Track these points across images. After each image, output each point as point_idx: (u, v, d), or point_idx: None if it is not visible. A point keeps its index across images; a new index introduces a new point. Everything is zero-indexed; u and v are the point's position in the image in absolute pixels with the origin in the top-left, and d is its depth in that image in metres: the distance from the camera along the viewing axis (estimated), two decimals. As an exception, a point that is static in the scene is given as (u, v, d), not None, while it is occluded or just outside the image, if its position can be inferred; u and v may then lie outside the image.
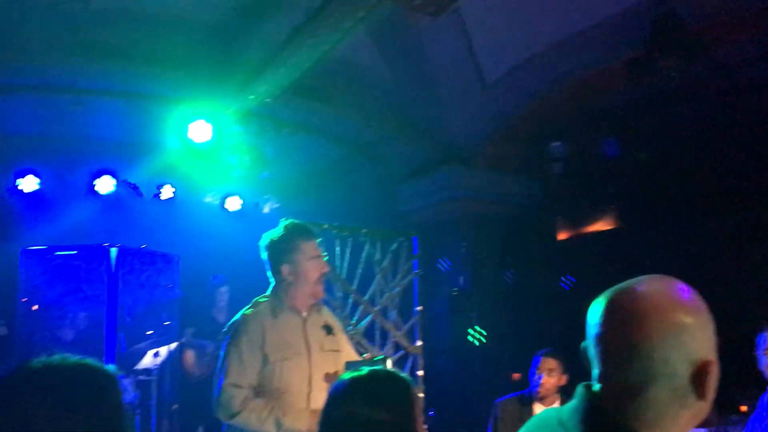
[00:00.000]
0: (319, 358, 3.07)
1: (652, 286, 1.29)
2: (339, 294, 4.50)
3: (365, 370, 1.77)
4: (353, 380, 1.74)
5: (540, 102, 5.73)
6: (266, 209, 6.90)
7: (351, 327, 4.37)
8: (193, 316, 6.57)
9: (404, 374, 1.84)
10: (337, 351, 3.13)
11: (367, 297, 4.60)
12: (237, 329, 3.00)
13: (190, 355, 6.43)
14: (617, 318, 1.26)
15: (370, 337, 4.65)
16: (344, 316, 4.45)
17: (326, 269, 3.15)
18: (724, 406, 5.18)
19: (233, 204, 6.87)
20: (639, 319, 1.23)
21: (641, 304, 1.25)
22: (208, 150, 5.74)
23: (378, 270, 4.67)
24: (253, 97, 5.01)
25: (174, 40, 5.16)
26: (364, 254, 4.65)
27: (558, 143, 5.98)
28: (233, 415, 2.88)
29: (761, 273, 6.32)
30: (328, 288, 4.58)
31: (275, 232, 3.15)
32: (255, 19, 4.78)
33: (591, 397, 1.29)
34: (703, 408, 1.27)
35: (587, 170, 6.45)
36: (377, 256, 4.68)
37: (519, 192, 6.84)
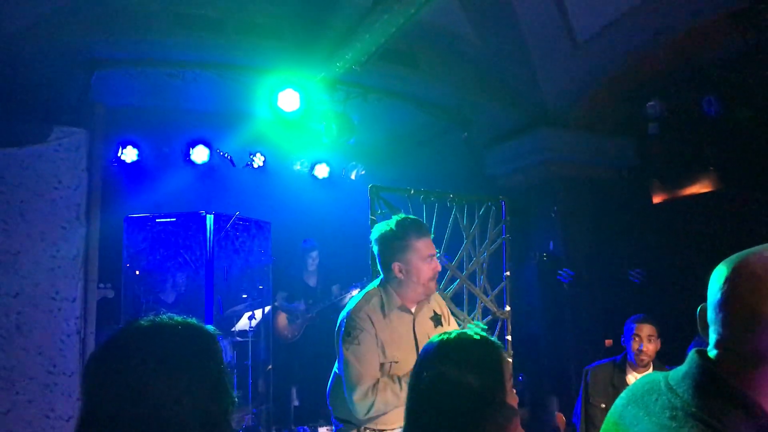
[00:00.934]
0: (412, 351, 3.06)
1: None
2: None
3: (455, 333, 1.78)
4: (443, 342, 1.76)
5: (634, 60, 5.49)
6: (353, 176, 6.98)
7: (438, 292, 4.38)
8: (285, 280, 6.78)
9: (494, 338, 1.84)
10: None
11: (454, 262, 4.59)
12: (354, 326, 2.92)
13: (282, 318, 6.66)
14: (748, 284, 1.23)
15: (459, 302, 4.65)
16: (433, 281, 4.46)
17: (439, 268, 3.08)
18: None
19: (321, 171, 7.00)
20: None
21: None
22: (296, 119, 5.85)
23: (466, 235, 4.64)
24: (340, 64, 5.02)
25: (263, 10, 5.25)
26: (451, 219, 4.62)
27: (653, 102, 5.72)
28: (371, 406, 2.84)
29: None
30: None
31: (387, 227, 3.07)
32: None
33: (706, 363, 1.26)
34: None
35: (685, 130, 6.16)
36: (465, 221, 4.65)
37: (613, 154, 6.62)
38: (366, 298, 3.03)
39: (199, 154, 6.54)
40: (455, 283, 4.56)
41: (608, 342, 6.43)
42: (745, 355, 1.22)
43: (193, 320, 1.45)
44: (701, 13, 4.92)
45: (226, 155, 6.69)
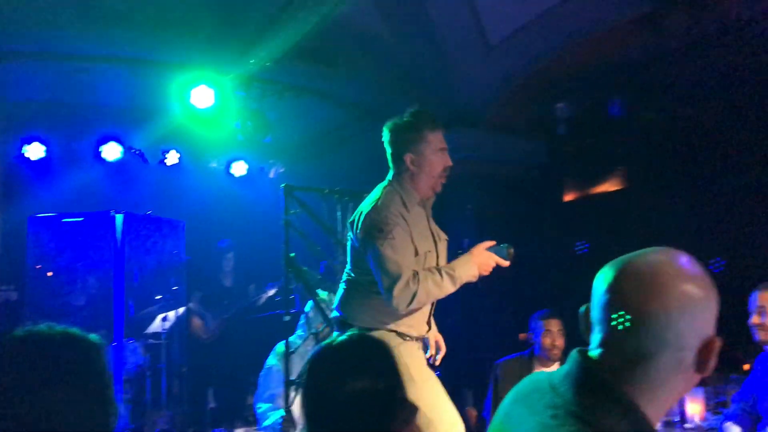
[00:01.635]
0: (441, 248, 3.08)
1: (667, 258, 1.29)
2: (341, 258, 4.50)
3: (343, 336, 1.76)
4: (333, 348, 1.73)
5: (545, 63, 5.65)
6: (272, 174, 6.90)
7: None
8: (200, 281, 6.65)
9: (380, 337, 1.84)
10: (447, 239, 3.16)
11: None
12: (387, 222, 2.84)
13: (196, 320, 6.52)
14: (633, 286, 1.25)
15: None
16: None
17: (450, 163, 3.05)
18: (727, 364, 5.20)
19: (239, 169, 6.88)
20: (657, 290, 1.23)
21: (659, 276, 1.25)
22: (211, 115, 5.74)
23: (381, 234, 4.65)
24: (253, 61, 4.96)
25: (176, 4, 5.11)
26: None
27: (563, 104, 5.91)
28: (414, 296, 2.77)
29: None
30: (330, 252, 4.60)
31: (401, 118, 3.06)
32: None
33: (587, 362, 1.29)
34: (696, 380, 1.29)
35: (594, 131, 6.38)
36: (380, 220, 4.66)
37: (525, 153, 6.79)
38: (388, 197, 2.95)
39: (111, 151, 6.32)
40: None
41: (522, 336, 6.60)
42: (628, 355, 1.25)
43: (75, 330, 1.39)
44: (607, 19, 5.09)
45: (138, 152, 6.49)
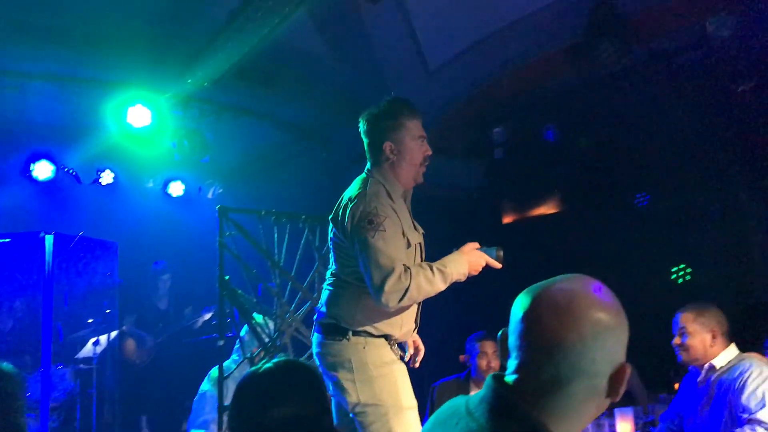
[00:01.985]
0: (422, 242, 2.97)
1: (582, 286, 1.32)
2: (277, 281, 4.47)
3: (268, 365, 1.75)
4: (259, 376, 1.72)
5: (483, 88, 5.77)
6: (210, 195, 6.82)
7: (289, 314, 4.36)
8: (134, 304, 6.49)
9: (308, 362, 1.83)
10: (424, 234, 3.03)
11: (306, 284, 4.58)
12: (376, 213, 2.72)
13: (130, 343, 6.36)
14: (549, 314, 1.28)
15: (309, 323, 4.64)
16: (282, 303, 4.43)
17: (430, 152, 2.97)
18: (658, 384, 5.35)
19: (176, 189, 6.77)
20: (573, 318, 1.26)
21: (575, 304, 1.27)
22: (148, 135, 5.66)
23: (318, 256, 4.65)
24: (191, 81, 4.92)
25: (112, 22, 5.02)
26: (303, 241, 4.62)
27: (499, 129, 6.04)
28: (405, 291, 2.65)
29: (699, 255, 6.50)
30: (266, 275, 4.56)
31: (377, 107, 2.96)
32: (192, 1, 4.68)
33: (502, 388, 1.31)
34: (607, 404, 1.32)
35: (530, 155, 6.52)
36: (317, 242, 4.66)
37: (464, 176, 6.89)
38: (373, 188, 2.84)
39: (42, 170, 6.12)
40: (306, 305, 4.55)
41: (462, 358, 6.66)
42: (542, 382, 1.27)
43: (-16, 360, 1.34)
44: (542, 47, 5.24)
45: (71, 171, 6.33)
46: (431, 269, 2.74)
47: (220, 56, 4.68)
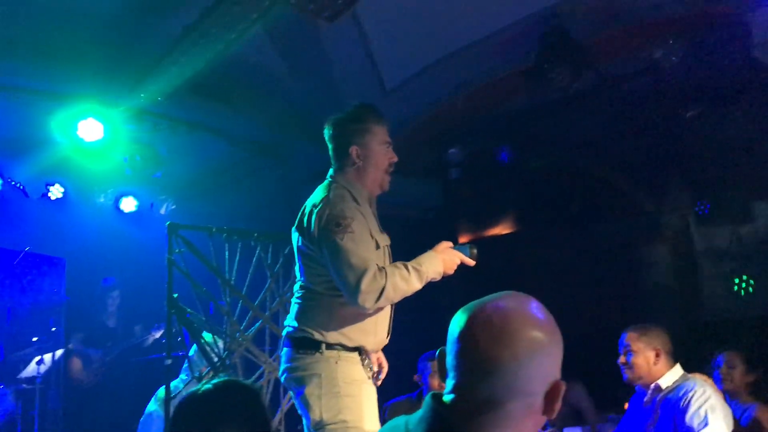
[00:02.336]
0: (389, 246, 2.92)
1: (517, 304, 1.32)
2: (228, 299, 4.41)
3: (209, 384, 1.72)
4: (199, 396, 1.68)
5: (439, 109, 5.81)
6: (163, 211, 6.71)
7: (239, 333, 4.30)
8: (82, 322, 6.33)
9: (247, 382, 1.80)
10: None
11: (257, 302, 4.53)
12: (343, 216, 2.67)
13: (77, 362, 6.19)
14: (484, 333, 1.27)
15: (260, 342, 4.59)
16: (232, 321, 4.37)
17: (395, 159, 2.94)
18: (608, 404, 5.41)
19: (128, 205, 6.65)
20: (508, 338, 1.26)
21: (509, 323, 1.27)
22: (99, 149, 5.55)
23: (270, 274, 4.60)
24: (144, 95, 4.85)
25: (63, 33, 4.93)
26: (255, 258, 4.57)
27: (455, 149, 6.10)
28: (382, 291, 2.59)
29: (648, 276, 6.64)
30: (217, 293, 4.50)
31: (344, 111, 2.94)
32: (147, 15, 4.62)
33: (440, 407, 1.30)
34: (543, 421, 1.33)
35: (485, 175, 6.60)
36: (269, 260, 4.61)
37: (420, 196, 6.93)
38: (337, 192, 2.79)
39: (-13, 184, 5.97)
40: (257, 324, 4.50)
41: (416, 377, 6.65)
42: (481, 401, 1.26)
43: None
44: (496, 70, 5.32)
45: (19, 185, 6.16)
46: (406, 268, 2.70)
47: (175, 70, 4.63)
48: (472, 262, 2.89)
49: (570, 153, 6.17)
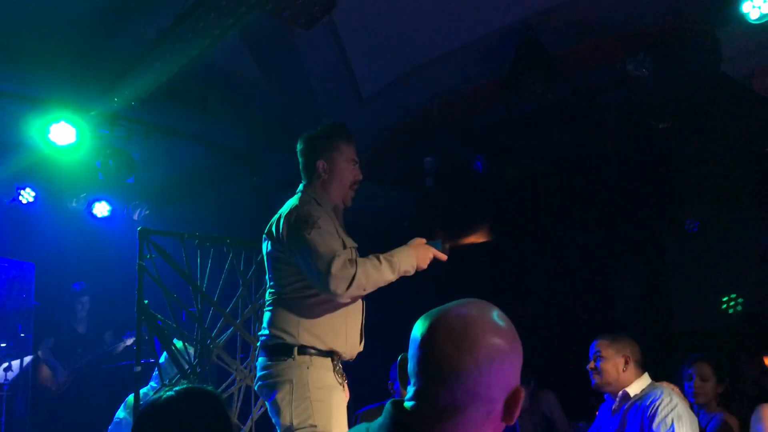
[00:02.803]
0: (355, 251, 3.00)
1: (478, 311, 1.33)
2: (199, 306, 4.37)
3: (173, 390, 1.70)
4: (158, 405, 1.66)
5: (413, 118, 5.84)
6: (137, 216, 6.64)
7: (210, 341, 4.26)
8: (52, 327, 6.24)
9: (209, 388, 1.79)
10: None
11: (228, 309, 4.49)
12: (309, 214, 2.83)
13: (45, 369, 6.09)
14: (445, 340, 1.28)
15: (232, 350, 4.55)
16: (204, 329, 4.33)
17: (360, 177, 3.12)
18: (579, 413, 5.45)
19: (101, 210, 6.57)
20: (469, 344, 1.26)
21: (470, 330, 1.28)
22: (72, 153, 5.48)
23: (242, 281, 4.57)
24: (117, 99, 4.80)
25: (34, 36, 4.88)
26: (227, 265, 4.54)
27: (430, 158, 6.11)
28: (352, 278, 2.68)
29: (622, 286, 6.72)
30: (189, 300, 4.46)
31: (315, 129, 3.12)
32: (121, 19, 4.60)
33: (400, 414, 1.30)
34: (502, 428, 1.33)
35: (460, 185, 6.62)
36: (242, 266, 4.59)
37: (395, 204, 6.93)
38: (304, 198, 2.96)
39: (-45, 187, 5.88)
40: (229, 331, 4.46)
41: (389, 385, 6.64)
42: (441, 407, 1.27)
43: None
44: (471, 80, 5.36)
45: (-13, 189, 6.07)
46: (378, 258, 2.81)
47: (149, 75, 4.59)
48: (444, 257, 3.00)
49: (544, 164, 6.22)
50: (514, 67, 4.72)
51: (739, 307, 6.25)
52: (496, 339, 1.29)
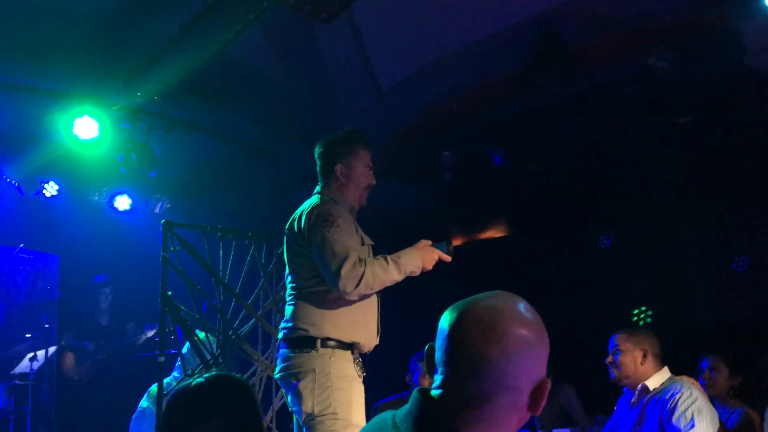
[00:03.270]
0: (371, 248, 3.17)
1: (506, 303, 1.35)
2: (221, 298, 4.43)
3: (202, 377, 1.74)
4: (187, 391, 1.70)
5: (433, 111, 5.84)
6: (158, 209, 6.72)
7: (232, 332, 4.31)
8: (75, 319, 6.33)
9: (238, 376, 1.83)
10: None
11: (250, 301, 4.55)
12: (330, 212, 2.97)
13: (69, 359, 6.18)
14: (474, 330, 1.30)
15: (253, 341, 4.60)
16: (226, 320, 4.39)
17: (374, 182, 3.28)
18: (598, 407, 5.45)
19: (122, 203, 6.65)
20: (497, 335, 1.28)
21: (500, 320, 1.30)
22: (95, 147, 5.56)
23: (263, 273, 4.62)
24: (141, 94, 4.86)
25: (58, 31, 4.94)
26: (248, 257, 4.60)
27: (448, 152, 6.11)
28: (362, 277, 2.83)
29: (639, 281, 6.67)
30: (211, 292, 4.51)
31: (335, 135, 3.28)
32: (143, 14, 4.64)
33: (427, 402, 1.33)
34: (527, 417, 1.36)
35: (478, 179, 6.62)
36: (263, 259, 4.64)
37: (413, 199, 6.94)
38: (323, 199, 3.09)
39: (-18, 180, 5.97)
40: (250, 323, 4.51)
41: (407, 378, 6.67)
42: (469, 396, 1.29)
43: None
44: (489, 74, 5.34)
45: (14, 182, 6.16)
46: (385, 259, 2.95)
47: (171, 70, 4.64)
48: (448, 258, 3.14)
49: (564, 158, 6.20)
50: (534, 62, 4.71)
51: (648, 320, 6.43)
52: (523, 330, 1.32)
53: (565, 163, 6.25)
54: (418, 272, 3.02)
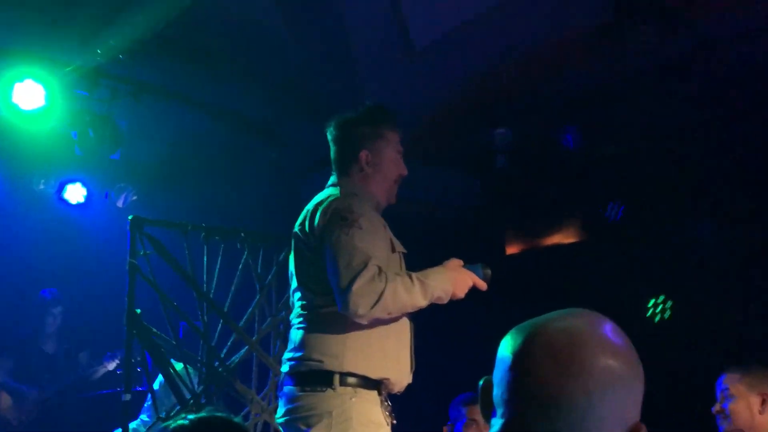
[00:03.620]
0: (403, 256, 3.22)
1: (587, 325, 1.34)
2: (205, 318, 4.49)
3: (184, 420, 1.78)
4: (183, 429, 1.75)
5: (481, 78, 5.84)
6: (121, 203, 6.81)
7: (219, 362, 4.38)
8: (11, 345, 6.41)
9: (233, 417, 1.87)
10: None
11: (242, 322, 4.60)
12: (351, 210, 2.98)
13: (5, 399, 6.27)
14: (547, 361, 1.29)
15: (246, 375, 4.66)
16: (210, 347, 4.45)
17: (405, 172, 3.31)
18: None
19: (75, 194, 6.72)
20: (577, 367, 1.28)
21: (579, 349, 1.29)
22: (40, 120, 5.64)
23: (260, 286, 4.68)
24: (101, 51, 4.93)
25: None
26: (241, 265, 4.65)
27: (503, 130, 6.10)
28: (381, 296, 2.83)
29: (759, 296, 6.62)
30: (192, 312, 4.57)
31: (354, 112, 3.27)
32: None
33: None
34: None
35: (542, 166, 6.62)
36: (260, 268, 4.69)
37: (455, 191, 6.95)
38: (344, 192, 3.11)
39: None
40: (242, 351, 4.56)
41: (445, 428, 6.70)
42: None
43: None
44: (558, 28, 5.32)
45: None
46: (410, 277, 2.94)
47: (141, 20, 4.70)
48: (484, 285, 3.16)
49: (655, 138, 6.18)
50: (618, 10, 4.71)
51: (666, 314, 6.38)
52: (611, 360, 1.31)
53: (656, 145, 6.23)
54: (446, 299, 3.03)
